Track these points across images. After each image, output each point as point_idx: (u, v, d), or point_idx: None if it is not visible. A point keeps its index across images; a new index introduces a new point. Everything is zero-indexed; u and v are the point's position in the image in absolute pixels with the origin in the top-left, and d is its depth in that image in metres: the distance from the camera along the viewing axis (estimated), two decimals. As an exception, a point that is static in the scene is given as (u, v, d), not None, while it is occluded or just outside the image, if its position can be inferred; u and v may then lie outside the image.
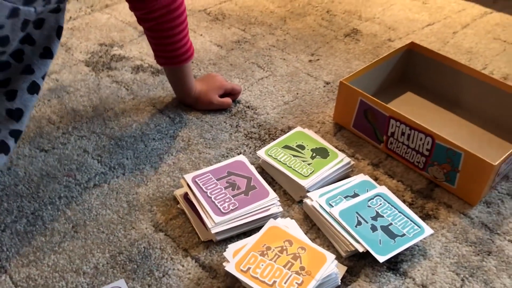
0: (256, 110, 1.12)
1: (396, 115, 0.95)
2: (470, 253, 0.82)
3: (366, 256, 0.81)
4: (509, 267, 0.80)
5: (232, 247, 0.78)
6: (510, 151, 0.86)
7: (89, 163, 0.96)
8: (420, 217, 0.85)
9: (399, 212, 0.85)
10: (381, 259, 0.77)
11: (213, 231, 0.81)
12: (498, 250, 0.83)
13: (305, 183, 0.89)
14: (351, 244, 0.79)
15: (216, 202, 0.85)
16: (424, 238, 0.83)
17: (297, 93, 1.18)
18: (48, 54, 0.78)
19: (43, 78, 0.79)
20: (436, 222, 0.87)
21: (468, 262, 0.81)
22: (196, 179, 0.89)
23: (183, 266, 0.79)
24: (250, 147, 1.01)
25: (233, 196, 0.86)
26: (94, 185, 0.92)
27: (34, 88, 0.78)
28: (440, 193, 0.93)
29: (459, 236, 0.85)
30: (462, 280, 0.78)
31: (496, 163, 0.84)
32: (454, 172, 0.90)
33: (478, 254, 0.82)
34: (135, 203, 0.89)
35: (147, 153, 0.99)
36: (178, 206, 0.89)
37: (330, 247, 0.82)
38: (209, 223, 0.81)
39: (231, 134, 1.05)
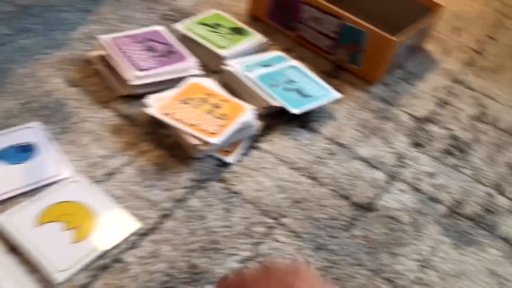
0: (171, -3, 1.11)
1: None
2: (371, 117, 0.91)
3: (281, 116, 0.86)
4: (404, 128, 0.91)
5: (153, 97, 0.79)
6: (410, 31, 0.96)
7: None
8: (328, 86, 0.92)
9: (311, 80, 0.91)
10: (295, 111, 0.83)
11: (133, 83, 0.80)
12: (394, 116, 0.93)
13: (222, 52, 0.91)
14: (267, 101, 0.84)
15: (134, 60, 0.84)
16: (332, 104, 0.90)
17: (212, -12, 1.19)
18: None
19: None
20: (341, 95, 0.95)
21: (370, 123, 0.90)
22: (114, 41, 0.86)
23: (101, 115, 0.78)
24: (166, 26, 1.01)
25: (152, 57, 0.86)
26: (2, 44, 0.86)
27: None
28: (345, 74, 1.01)
29: (361, 105, 0.94)
30: (365, 136, 0.87)
31: (398, 38, 0.93)
32: (358, 53, 0.98)
33: (378, 119, 0.91)
34: (46, 62, 0.85)
35: (57, 21, 0.94)
36: (93, 67, 0.86)
37: (247, 106, 0.86)
38: (128, 75, 0.80)
39: (146, 14, 1.03)
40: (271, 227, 0.68)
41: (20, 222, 0.60)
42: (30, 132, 0.72)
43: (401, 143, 0.88)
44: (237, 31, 0.99)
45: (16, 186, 0.64)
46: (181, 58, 0.87)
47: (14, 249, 0.58)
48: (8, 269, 0.55)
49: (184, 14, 1.06)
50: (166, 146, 0.76)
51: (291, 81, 0.89)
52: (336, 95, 0.89)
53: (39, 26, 0.92)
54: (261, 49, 0.99)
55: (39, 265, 0.56)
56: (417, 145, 0.88)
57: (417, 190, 0.80)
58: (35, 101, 0.77)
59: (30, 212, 0.62)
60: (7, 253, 0.57)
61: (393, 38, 0.92)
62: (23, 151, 0.69)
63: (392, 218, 0.74)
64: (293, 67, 0.93)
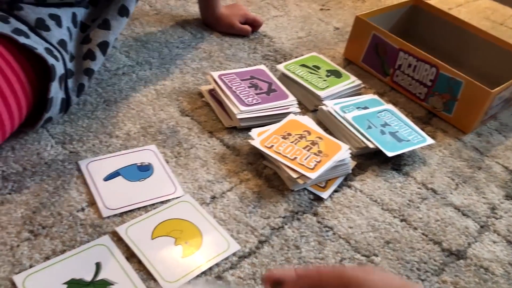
0: (272, 39, 1.19)
1: (405, 47, 1.04)
2: (463, 166, 0.92)
3: (373, 157, 0.89)
4: (497, 180, 0.90)
5: (255, 130, 0.85)
6: (507, 83, 0.97)
7: (118, 56, 1.01)
8: (422, 132, 0.95)
9: (405, 124, 0.94)
10: (389, 154, 0.86)
11: (239, 116, 0.87)
12: (487, 167, 0.93)
13: (321, 93, 0.97)
14: (362, 141, 0.87)
15: (241, 96, 0.91)
16: (424, 149, 0.92)
17: (310, 32, 1.26)
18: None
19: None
20: (434, 141, 0.96)
21: (462, 172, 0.90)
22: (222, 77, 0.95)
23: (208, 143, 0.85)
24: (267, 66, 1.08)
25: (256, 94, 0.93)
26: (123, 74, 0.97)
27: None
28: (438, 121, 1.02)
29: (454, 153, 0.95)
30: (457, 184, 0.88)
31: (494, 90, 0.94)
32: (453, 101, 1.00)
33: (470, 168, 0.92)
34: (162, 92, 0.94)
35: (172, 57, 1.05)
36: (203, 99, 0.95)
37: (341, 146, 0.90)
38: (234, 110, 0.88)
39: (249, 53, 1.12)
40: (362, 264, 0.71)
41: (137, 234, 0.67)
42: (148, 153, 0.80)
43: (494, 194, 0.87)
44: (334, 73, 1.04)
45: (135, 201, 0.72)
46: (282, 96, 0.94)
47: (132, 256, 0.65)
48: (128, 274, 0.62)
49: (283, 55, 1.14)
50: (265, 176, 0.81)
51: (386, 124, 0.92)
52: (429, 140, 0.91)
53: (156, 60, 1.03)
54: (356, 91, 1.03)
55: (152, 274, 0.63)
56: (510, 197, 0.87)
57: (510, 242, 0.79)
58: (152, 127, 0.86)
59: (146, 225, 0.69)
60: (126, 260, 0.64)
61: (489, 89, 0.93)
62: (142, 170, 0.77)
63: (484, 268, 0.74)
64: (388, 110, 0.96)
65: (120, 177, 0.75)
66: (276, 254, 0.69)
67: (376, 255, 0.72)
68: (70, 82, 0.80)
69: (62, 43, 0.77)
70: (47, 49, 0.73)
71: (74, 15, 0.82)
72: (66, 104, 0.80)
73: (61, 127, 0.82)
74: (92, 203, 0.71)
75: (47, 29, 0.76)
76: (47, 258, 0.62)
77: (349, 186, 0.83)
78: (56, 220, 0.67)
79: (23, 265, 0.61)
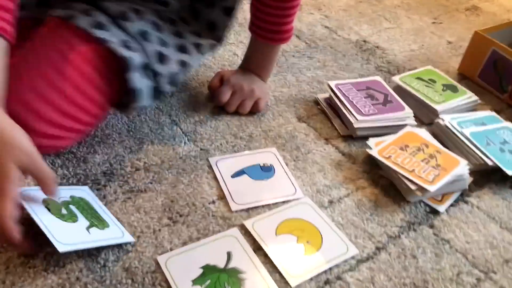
0: (384, 50, 1.21)
1: (528, 64, 1.01)
2: None
3: (490, 175, 0.87)
4: None
5: (373, 140, 0.87)
6: None
7: (238, 63, 1.08)
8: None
9: (526, 143, 0.91)
10: (510, 173, 0.84)
11: (356, 126, 0.90)
12: None
13: (437, 107, 0.97)
14: (481, 158, 0.86)
15: (357, 105, 0.94)
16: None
17: (422, 45, 1.26)
18: None
19: None
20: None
21: None
22: (339, 86, 0.98)
23: (324, 149, 0.89)
24: (381, 77, 1.10)
25: (372, 104, 0.95)
26: (245, 79, 1.03)
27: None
28: (560, 142, 0.98)
29: None
30: None
31: None
32: None
33: None
34: (280, 98, 1.00)
35: (288, 65, 1.10)
36: (319, 107, 0.99)
37: (457, 161, 0.90)
38: (351, 119, 0.91)
39: (362, 64, 1.14)
40: (480, 280, 0.71)
41: (263, 229, 0.72)
42: (269, 155, 0.85)
43: None
44: (450, 87, 1.04)
45: (260, 199, 0.77)
46: (398, 107, 0.95)
47: (258, 249, 0.70)
48: (256, 265, 0.67)
49: (396, 67, 1.15)
50: (381, 185, 0.83)
51: (505, 142, 0.90)
52: (554, 162, 0.88)
53: (274, 68, 1.08)
54: (472, 107, 1.02)
55: (278, 268, 0.67)
56: None
57: None
58: (271, 130, 0.91)
59: (271, 222, 0.74)
60: (254, 252, 0.69)
61: None
62: (265, 171, 0.82)
63: None
64: (507, 128, 0.94)
65: (245, 175, 0.81)
66: (393, 261, 0.71)
67: (495, 273, 0.72)
68: (161, 69, 0.80)
69: (143, 33, 0.79)
70: (124, 41, 0.75)
71: (159, 11, 0.84)
72: (156, 92, 0.80)
73: (192, 126, 0.89)
74: (221, 197, 0.77)
75: (128, 19, 0.78)
76: (185, 243, 0.69)
77: (466, 202, 0.83)
78: (191, 210, 0.74)
79: (164, 247, 0.68)
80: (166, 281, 0.64)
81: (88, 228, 0.66)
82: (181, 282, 0.64)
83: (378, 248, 0.73)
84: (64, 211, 0.66)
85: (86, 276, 0.63)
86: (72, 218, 0.66)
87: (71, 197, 0.70)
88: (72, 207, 0.68)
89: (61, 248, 0.59)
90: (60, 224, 0.63)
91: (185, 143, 0.86)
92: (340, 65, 1.12)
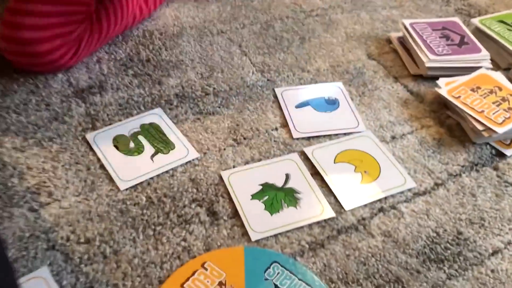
0: (467, -7, 1.15)
1: None
2: None
3: None
4: None
5: (443, 79, 0.85)
6: None
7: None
8: None
9: None
10: None
11: (427, 65, 0.88)
12: None
13: (517, 51, 0.92)
14: (560, 104, 0.82)
15: (431, 45, 0.91)
16: None
17: (511, -12, 1.18)
18: None
19: None
20: None
21: None
22: (414, 25, 0.96)
23: (392, 87, 0.88)
24: (460, 19, 1.05)
25: (446, 45, 0.92)
26: (317, 15, 1.03)
27: None
28: None
29: None
30: None
31: None
32: None
33: None
34: (352, 35, 0.99)
35: (363, 3, 1.08)
36: (391, 45, 0.97)
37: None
38: (423, 58, 0.89)
39: (441, 6, 1.10)
40: (541, 224, 0.69)
41: (322, 156, 0.75)
42: (335, 89, 0.86)
43: None
44: (536, 32, 0.97)
45: (321, 129, 0.79)
46: (474, 49, 0.91)
47: (315, 174, 0.73)
48: (312, 187, 0.70)
49: (477, 11, 1.09)
50: (447, 125, 0.82)
51: None
52: None
53: (348, 5, 1.07)
54: (558, 54, 0.96)
55: (333, 191, 0.70)
56: None
57: None
58: (340, 66, 0.92)
59: (330, 151, 0.76)
60: (311, 176, 0.72)
61: None
62: (329, 104, 0.84)
63: None
64: None
65: (309, 106, 0.83)
66: (451, 197, 0.71)
67: (559, 219, 0.70)
68: None
69: None
70: None
71: None
72: None
73: (261, 57, 0.92)
74: (284, 125, 0.80)
75: None
76: (247, 163, 0.73)
77: (537, 148, 0.80)
78: (254, 134, 0.78)
79: (228, 164, 0.73)
80: (228, 193, 0.69)
81: (152, 157, 0.72)
82: (241, 195, 0.68)
83: (436, 184, 0.73)
84: (131, 145, 0.73)
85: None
86: (138, 150, 0.73)
87: (141, 125, 0.76)
88: (140, 137, 0.75)
89: (122, 186, 0.68)
90: (125, 161, 0.71)
91: (253, 73, 0.88)
92: (417, 5, 1.09)
